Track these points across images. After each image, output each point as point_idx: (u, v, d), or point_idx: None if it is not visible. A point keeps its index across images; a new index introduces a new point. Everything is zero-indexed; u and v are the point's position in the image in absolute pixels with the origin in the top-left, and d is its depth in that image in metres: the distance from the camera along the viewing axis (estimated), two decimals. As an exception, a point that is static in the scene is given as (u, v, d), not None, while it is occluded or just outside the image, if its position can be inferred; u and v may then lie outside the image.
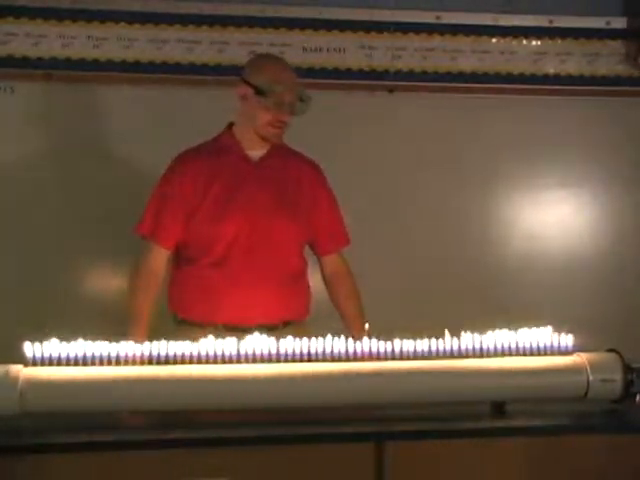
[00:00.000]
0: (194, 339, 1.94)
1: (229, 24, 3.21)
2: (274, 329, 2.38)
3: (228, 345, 1.93)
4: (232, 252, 2.45)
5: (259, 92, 2.43)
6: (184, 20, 3.19)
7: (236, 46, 3.18)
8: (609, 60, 3.40)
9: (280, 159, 2.54)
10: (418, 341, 1.99)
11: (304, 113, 2.47)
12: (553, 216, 3.43)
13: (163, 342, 1.93)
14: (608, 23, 3.40)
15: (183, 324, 2.47)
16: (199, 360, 1.91)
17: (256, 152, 2.51)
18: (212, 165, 2.49)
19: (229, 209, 2.46)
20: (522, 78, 3.38)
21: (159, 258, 2.49)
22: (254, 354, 1.93)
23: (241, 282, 2.42)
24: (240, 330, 2.30)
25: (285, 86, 2.43)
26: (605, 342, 2.09)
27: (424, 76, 3.33)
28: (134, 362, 1.89)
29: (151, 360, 1.90)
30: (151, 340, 1.93)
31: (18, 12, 3.09)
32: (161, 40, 3.17)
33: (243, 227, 2.45)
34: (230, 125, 2.55)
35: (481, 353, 2.00)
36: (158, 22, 3.17)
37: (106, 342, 1.89)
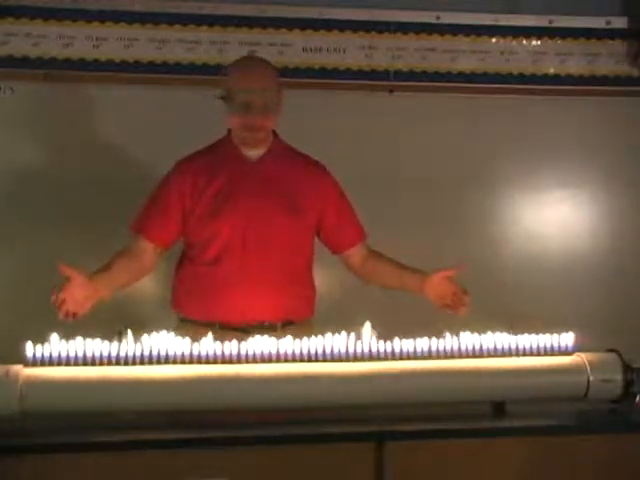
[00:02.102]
0: (194, 338, 1.95)
1: (229, 24, 3.21)
2: (274, 328, 2.38)
3: (228, 345, 1.93)
4: (229, 250, 2.45)
5: (224, 97, 2.44)
6: (184, 20, 3.19)
7: (236, 46, 3.17)
8: (609, 60, 3.40)
9: (280, 158, 2.53)
10: (418, 341, 1.99)
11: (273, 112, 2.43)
12: (552, 216, 3.43)
13: (163, 342, 1.93)
14: (608, 23, 3.40)
15: (184, 323, 2.47)
16: (199, 360, 1.91)
17: (254, 152, 2.51)
18: (211, 166, 2.50)
19: (225, 207, 2.46)
20: (522, 78, 3.38)
21: (143, 247, 2.46)
22: (254, 354, 1.93)
23: (237, 281, 2.42)
24: (239, 329, 2.31)
25: (247, 90, 2.41)
26: (605, 342, 2.09)
27: (424, 76, 3.32)
28: (134, 362, 1.89)
29: (151, 360, 1.90)
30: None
31: (18, 12, 3.09)
32: (161, 40, 3.17)
33: (239, 225, 2.45)
34: (230, 130, 2.56)
35: (481, 353, 2.01)
36: (158, 22, 3.17)
37: (106, 342, 1.90)
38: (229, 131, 2.55)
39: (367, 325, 2.02)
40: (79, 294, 2.23)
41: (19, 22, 3.09)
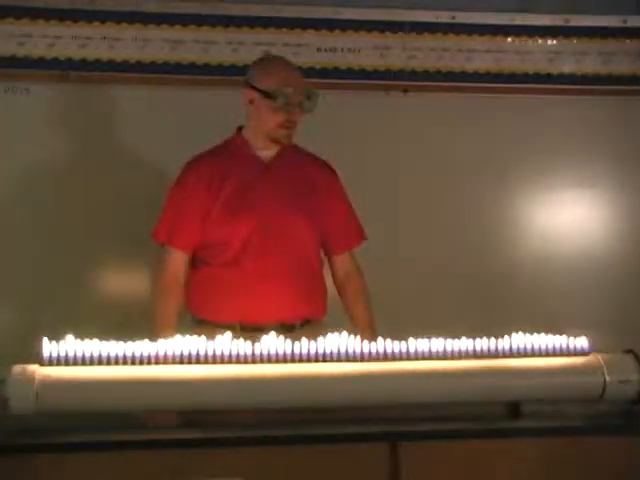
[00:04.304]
0: (211, 339, 1.94)
1: (244, 24, 3.21)
2: (292, 328, 2.39)
3: (243, 345, 1.93)
4: (246, 251, 2.45)
5: (268, 96, 2.44)
6: (199, 20, 3.19)
7: (251, 46, 3.18)
8: (625, 59, 3.38)
9: (291, 159, 2.54)
10: (433, 341, 1.98)
11: (312, 110, 2.47)
12: (567, 216, 3.42)
13: (178, 342, 1.93)
14: (624, 22, 3.38)
15: (200, 324, 2.47)
16: (214, 360, 1.91)
17: (267, 153, 2.52)
18: (223, 166, 2.50)
19: (241, 209, 2.46)
20: (537, 78, 3.37)
21: (179, 263, 2.49)
22: (268, 354, 1.93)
23: (256, 281, 2.43)
24: (257, 329, 2.30)
25: (293, 87, 2.44)
26: (622, 343, 2.08)
27: (439, 76, 3.32)
28: (149, 362, 1.90)
29: (166, 360, 1.90)
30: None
31: (34, 13, 3.11)
32: (176, 40, 3.18)
33: (256, 226, 2.46)
34: (239, 128, 2.56)
35: (496, 353, 2.00)
36: (173, 23, 3.18)
37: (121, 342, 1.90)
38: (239, 131, 2.56)
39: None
40: None
41: (35, 23, 3.11)
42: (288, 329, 2.35)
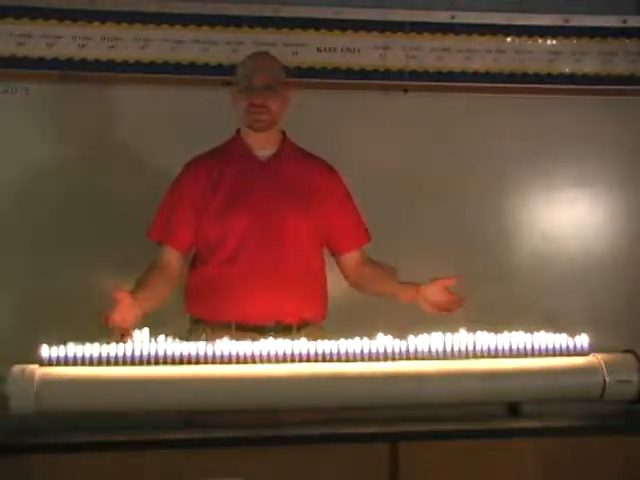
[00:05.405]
0: (210, 339, 1.95)
1: (243, 24, 3.21)
2: (289, 329, 2.38)
3: (242, 346, 1.93)
4: (243, 250, 2.45)
5: (235, 83, 2.48)
6: (199, 20, 3.19)
7: (250, 46, 3.17)
8: (625, 59, 3.38)
9: (290, 159, 2.54)
10: (433, 341, 1.99)
11: (277, 92, 2.46)
12: (568, 216, 3.42)
13: (178, 342, 1.94)
14: (624, 22, 3.38)
15: (198, 324, 2.47)
16: (213, 360, 1.92)
17: (265, 152, 2.53)
18: (222, 166, 2.51)
19: (237, 207, 2.46)
20: (537, 78, 3.36)
21: (172, 260, 2.49)
22: (268, 354, 1.93)
23: (253, 280, 2.42)
24: (255, 329, 2.31)
25: (250, 69, 2.46)
26: (621, 343, 2.08)
27: (439, 76, 3.31)
28: (149, 362, 1.90)
29: (166, 360, 1.91)
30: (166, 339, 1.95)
31: (33, 13, 3.11)
32: (176, 40, 3.18)
33: (252, 225, 2.45)
34: (239, 130, 2.57)
35: (497, 353, 2.00)
36: (173, 23, 3.18)
37: (121, 343, 1.91)
38: (238, 131, 2.56)
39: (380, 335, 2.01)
40: (129, 314, 2.20)
41: (34, 23, 3.11)
42: (285, 330, 2.35)
